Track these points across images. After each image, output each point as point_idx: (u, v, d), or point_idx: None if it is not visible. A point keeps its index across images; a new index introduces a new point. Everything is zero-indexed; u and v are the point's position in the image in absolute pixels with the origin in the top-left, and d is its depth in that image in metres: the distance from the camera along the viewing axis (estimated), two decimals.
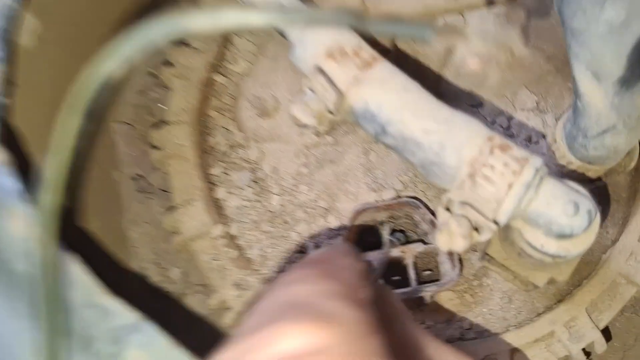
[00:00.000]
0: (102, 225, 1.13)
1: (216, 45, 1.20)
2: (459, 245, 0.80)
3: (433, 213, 1.08)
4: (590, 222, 0.77)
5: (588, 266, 1.07)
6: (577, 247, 0.81)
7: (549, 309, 1.04)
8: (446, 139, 0.80)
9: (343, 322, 0.43)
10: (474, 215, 0.80)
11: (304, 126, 0.88)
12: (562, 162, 0.99)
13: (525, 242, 0.83)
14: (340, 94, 0.84)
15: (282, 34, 0.92)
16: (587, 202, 0.77)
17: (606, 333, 1.09)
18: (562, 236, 0.78)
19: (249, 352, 0.41)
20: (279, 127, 1.16)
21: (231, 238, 1.11)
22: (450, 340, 1.04)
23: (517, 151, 0.79)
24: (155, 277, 1.25)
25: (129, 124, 1.27)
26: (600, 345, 1.01)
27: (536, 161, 0.78)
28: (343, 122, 1.04)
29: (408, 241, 1.10)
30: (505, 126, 1.14)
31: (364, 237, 1.11)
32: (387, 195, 1.10)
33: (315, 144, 1.16)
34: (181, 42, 1.20)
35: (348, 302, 0.46)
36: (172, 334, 0.76)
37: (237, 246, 1.11)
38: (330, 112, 0.87)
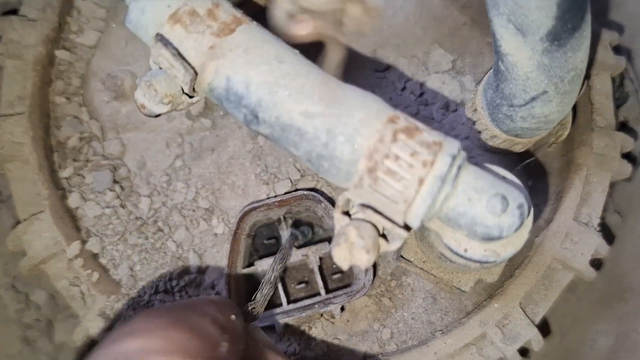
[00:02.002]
0: None
1: (54, 12, 0.94)
2: (362, 260, 0.61)
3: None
4: (522, 220, 0.59)
5: (520, 253, 0.91)
6: (507, 249, 0.64)
7: (479, 307, 0.89)
8: (336, 124, 0.60)
9: None
10: (379, 220, 0.61)
11: (153, 115, 0.66)
12: (485, 135, 0.82)
13: (445, 247, 0.66)
14: (193, 70, 0.63)
15: None
16: (517, 194, 0.60)
17: (543, 325, 0.96)
18: (489, 238, 0.61)
19: None
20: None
21: (91, 256, 0.89)
22: (367, 356, 0.87)
23: (428, 134, 0.60)
24: (13, 305, 1.02)
25: None
26: (537, 342, 0.87)
27: (452, 146, 0.59)
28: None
29: (312, 240, 0.92)
30: (417, 93, 0.96)
31: (259, 239, 0.91)
32: (282, 188, 0.91)
33: (190, 130, 0.94)
34: (8, 11, 0.94)
35: None
36: None
37: (100, 266, 0.88)
38: (186, 94, 0.66)
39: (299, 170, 0.92)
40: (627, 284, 1.04)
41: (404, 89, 0.96)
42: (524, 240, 0.65)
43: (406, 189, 0.58)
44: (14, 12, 0.95)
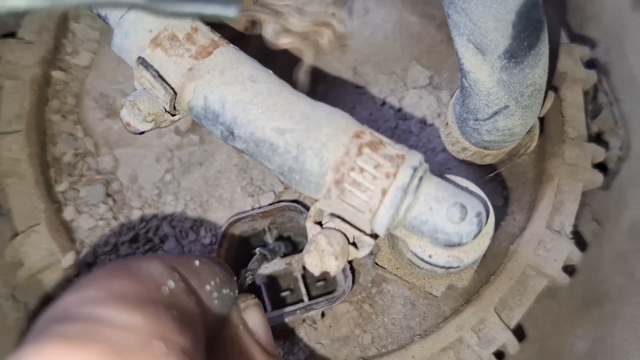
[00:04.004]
0: None
1: (50, 35, 0.99)
2: (331, 266, 0.65)
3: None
4: (480, 227, 0.63)
5: (495, 260, 0.95)
6: (469, 255, 0.68)
7: (455, 312, 0.93)
8: (304, 139, 0.64)
9: (107, 336, 0.37)
10: (347, 229, 0.65)
11: (138, 132, 0.71)
12: (457, 148, 0.86)
13: (412, 254, 0.70)
14: (172, 91, 0.67)
15: (100, 16, 0.73)
16: (476, 203, 0.64)
17: (519, 330, 0.99)
18: (450, 245, 0.65)
19: None
20: None
21: (85, 266, 0.93)
22: (347, 358, 0.91)
23: (391, 148, 0.64)
24: (12, 314, 1.06)
25: None
26: (512, 346, 0.90)
27: (414, 158, 0.64)
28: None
29: (295, 249, 0.96)
30: (396, 108, 1.00)
31: (242, 250, 0.95)
32: (266, 199, 0.95)
33: (179, 145, 0.98)
34: (5, 34, 0.99)
35: (136, 306, 0.40)
36: None
37: None
38: (168, 112, 0.70)
39: (282, 183, 0.96)
40: (604, 290, 1.08)
41: (383, 104, 1.00)
42: (485, 247, 0.68)
43: (371, 199, 0.63)
44: (12, 34, 1.00)
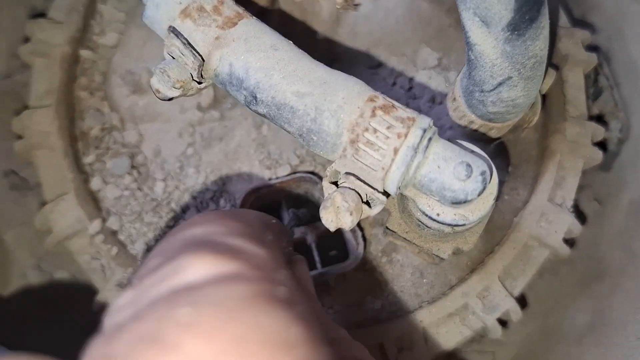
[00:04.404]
0: None
1: (78, 15, 1.05)
2: (346, 221, 0.70)
3: None
4: (484, 185, 0.68)
5: (500, 231, 1.00)
6: (474, 214, 0.73)
7: (461, 280, 0.97)
8: (322, 102, 0.69)
9: (246, 255, 0.44)
10: (361, 187, 0.70)
11: (167, 99, 0.76)
12: (464, 121, 0.91)
13: (421, 213, 0.75)
14: (200, 58, 0.73)
15: None
16: (480, 163, 0.69)
17: (522, 300, 1.03)
18: (457, 202, 0.70)
19: (150, 288, 0.39)
20: (157, 104, 1.03)
21: (111, 233, 0.98)
22: (361, 324, 0.95)
23: (403, 111, 0.70)
24: (39, 282, 1.11)
25: None
26: (515, 313, 0.95)
27: (423, 121, 0.69)
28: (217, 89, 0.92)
29: (311, 220, 1.01)
30: (406, 88, 1.05)
31: None
32: (283, 172, 1.00)
33: (201, 121, 1.04)
34: (36, 14, 1.05)
35: (252, 240, 0.47)
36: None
37: (119, 242, 0.98)
38: (195, 80, 0.76)
39: (298, 157, 1.01)
40: (604, 265, 1.12)
41: (394, 84, 1.05)
42: (489, 206, 0.73)
43: (383, 157, 0.68)
44: (42, 15, 1.06)
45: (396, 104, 0.71)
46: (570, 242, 1.01)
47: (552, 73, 0.95)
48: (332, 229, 0.71)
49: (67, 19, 1.05)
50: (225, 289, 0.39)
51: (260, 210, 1.01)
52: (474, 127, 0.91)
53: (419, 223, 0.78)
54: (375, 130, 0.68)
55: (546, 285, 1.16)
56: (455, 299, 0.94)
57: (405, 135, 0.67)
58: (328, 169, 0.73)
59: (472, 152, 0.72)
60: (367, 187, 0.70)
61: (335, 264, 0.95)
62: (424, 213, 0.74)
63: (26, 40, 1.04)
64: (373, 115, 0.68)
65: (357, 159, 0.69)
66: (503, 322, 0.98)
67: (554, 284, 1.17)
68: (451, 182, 0.69)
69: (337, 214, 0.70)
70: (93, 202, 0.99)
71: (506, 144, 1.03)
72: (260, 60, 0.71)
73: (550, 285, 1.16)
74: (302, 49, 0.76)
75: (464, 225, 0.74)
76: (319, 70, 0.72)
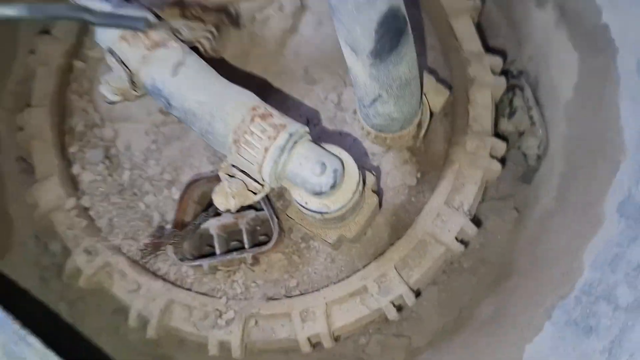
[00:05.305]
0: None
1: (73, 33, 1.30)
2: (232, 204, 0.90)
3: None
4: (335, 180, 0.86)
5: (404, 229, 1.16)
6: (335, 204, 0.90)
7: (365, 267, 1.14)
8: (216, 109, 0.89)
9: None
10: (244, 178, 0.90)
11: (111, 102, 0.98)
12: (364, 132, 1.08)
13: (295, 201, 0.93)
14: (129, 71, 0.94)
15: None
16: (335, 163, 0.86)
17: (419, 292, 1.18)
18: (316, 193, 0.88)
19: None
20: (131, 107, 1.25)
21: (83, 209, 1.21)
22: (275, 298, 1.14)
23: (278, 119, 0.88)
24: (34, 250, 1.34)
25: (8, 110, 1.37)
26: (408, 298, 1.11)
27: (292, 127, 0.87)
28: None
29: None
30: (335, 102, 1.23)
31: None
32: None
33: (164, 122, 1.26)
34: (42, 30, 1.30)
35: None
36: None
37: (89, 217, 1.21)
38: (132, 89, 0.97)
39: None
40: (515, 266, 1.26)
41: (326, 98, 1.23)
42: (347, 199, 0.91)
43: (258, 154, 0.87)
44: (47, 32, 1.31)
45: (275, 112, 0.89)
46: (465, 242, 1.16)
47: (445, 92, 1.11)
48: (222, 209, 0.91)
49: (64, 36, 1.29)
50: None
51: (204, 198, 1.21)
52: (371, 137, 1.08)
53: (299, 210, 0.96)
54: (252, 133, 0.87)
55: (465, 282, 1.30)
56: (355, 282, 1.11)
57: (275, 138, 0.86)
58: (223, 162, 0.92)
59: (330, 153, 0.89)
60: (248, 178, 0.89)
61: (258, 246, 1.15)
62: (297, 202, 0.92)
63: (32, 52, 1.29)
64: (252, 121, 0.88)
65: (240, 155, 0.89)
66: (399, 307, 1.13)
67: (471, 281, 1.31)
68: (309, 177, 0.87)
69: (225, 198, 0.90)
70: (72, 184, 1.23)
71: (416, 154, 1.19)
72: (175, 75, 0.92)
73: (468, 283, 1.31)
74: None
75: (327, 213, 0.91)
76: (218, 83, 0.92)
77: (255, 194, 0.92)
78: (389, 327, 1.24)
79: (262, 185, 0.90)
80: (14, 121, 1.31)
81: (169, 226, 1.17)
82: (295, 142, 0.87)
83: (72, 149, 1.26)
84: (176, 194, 1.20)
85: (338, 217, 0.95)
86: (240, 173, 0.90)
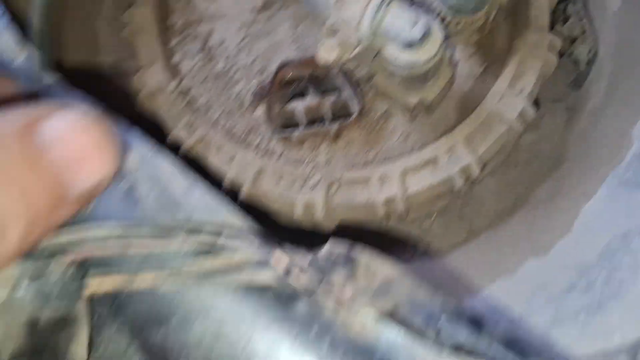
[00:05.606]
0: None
1: None
2: (332, 55, 1.05)
3: (345, 73, 1.33)
4: (425, 32, 1.01)
5: (470, 110, 1.30)
6: (422, 55, 1.05)
7: (436, 141, 1.28)
8: None
9: None
10: (345, 33, 1.05)
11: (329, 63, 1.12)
12: (441, 16, 1.23)
13: (386, 60, 1.08)
14: None
15: None
16: (424, 16, 1.02)
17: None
18: (408, 45, 1.03)
19: None
20: (223, 6, 1.42)
21: (182, 93, 1.37)
22: (355, 167, 1.29)
23: None
24: None
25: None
26: (475, 169, 1.25)
27: None
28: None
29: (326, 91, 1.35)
30: None
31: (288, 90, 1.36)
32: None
33: (255, 20, 1.42)
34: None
35: None
36: None
37: (188, 98, 1.37)
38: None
39: None
40: (567, 156, 1.40)
41: None
42: (434, 52, 1.05)
43: (358, 11, 1.02)
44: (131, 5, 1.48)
45: None
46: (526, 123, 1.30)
47: None
48: (322, 62, 1.06)
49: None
50: None
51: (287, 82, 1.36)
52: (446, 21, 1.23)
53: (389, 72, 1.11)
54: None
55: (520, 173, 1.45)
56: (427, 153, 1.26)
57: None
58: (326, 23, 1.08)
59: (419, 12, 1.04)
60: (347, 33, 1.05)
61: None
62: (387, 59, 1.07)
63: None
64: None
65: (342, 13, 1.04)
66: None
67: (527, 172, 1.45)
68: (404, 26, 1.02)
69: (328, 52, 1.06)
70: (173, 70, 1.39)
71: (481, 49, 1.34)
72: None
73: (524, 173, 1.45)
74: None
75: (416, 63, 1.06)
76: None
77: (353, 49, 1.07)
78: (453, 208, 1.40)
79: (359, 40, 1.05)
80: (116, 21, 1.48)
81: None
82: (390, 1, 1.03)
83: (173, 43, 1.43)
84: (267, 79, 1.36)
85: (422, 74, 1.10)
86: (342, 30, 1.05)
